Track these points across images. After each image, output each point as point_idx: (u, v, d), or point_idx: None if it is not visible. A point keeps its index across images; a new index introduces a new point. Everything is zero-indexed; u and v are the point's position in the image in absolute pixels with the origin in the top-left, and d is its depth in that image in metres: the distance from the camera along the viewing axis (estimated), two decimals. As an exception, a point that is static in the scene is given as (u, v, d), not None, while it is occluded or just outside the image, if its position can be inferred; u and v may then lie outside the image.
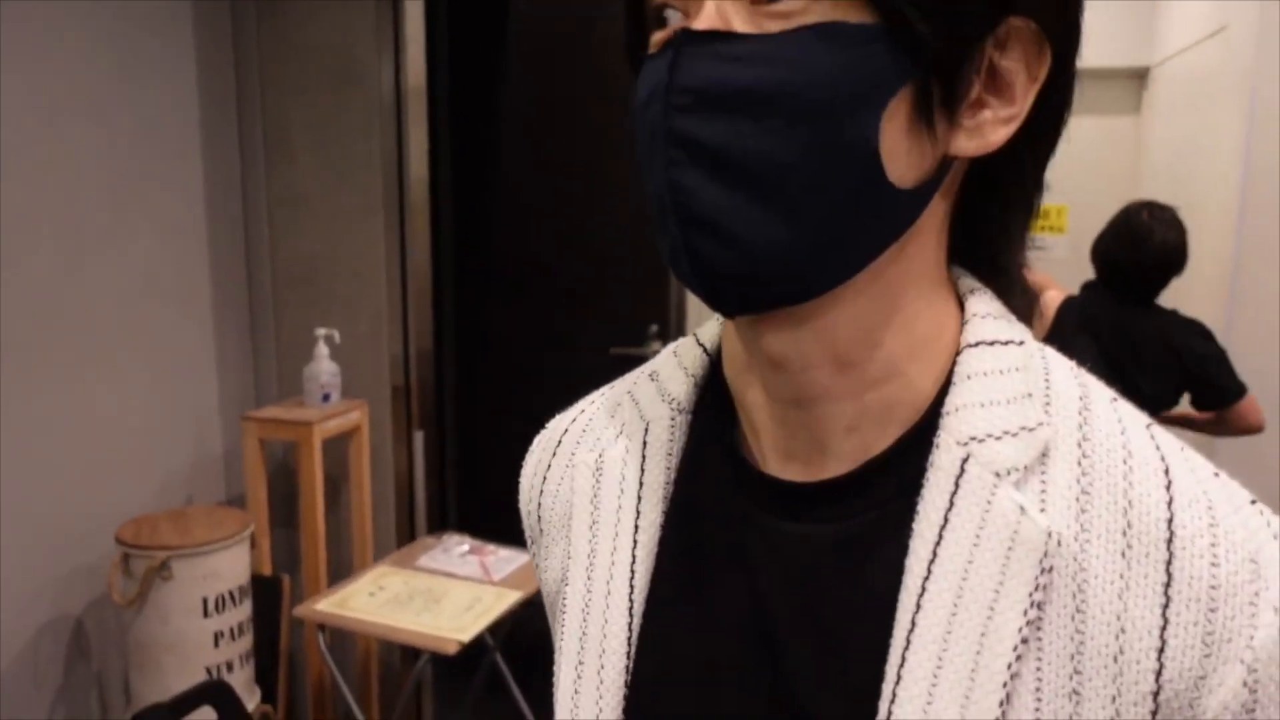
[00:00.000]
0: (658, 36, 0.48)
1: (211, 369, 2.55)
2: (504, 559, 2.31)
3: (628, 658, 0.53)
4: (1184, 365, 2.46)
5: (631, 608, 0.53)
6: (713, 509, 0.53)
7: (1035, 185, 0.51)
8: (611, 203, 2.84)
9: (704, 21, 0.44)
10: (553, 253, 3.02)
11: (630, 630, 0.53)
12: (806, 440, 0.50)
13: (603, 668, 0.53)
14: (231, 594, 2.14)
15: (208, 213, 2.52)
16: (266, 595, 2.33)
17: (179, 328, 2.45)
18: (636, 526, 0.54)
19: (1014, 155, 0.48)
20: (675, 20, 0.47)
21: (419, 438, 2.67)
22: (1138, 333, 2.45)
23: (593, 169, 2.88)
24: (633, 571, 0.53)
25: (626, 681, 0.53)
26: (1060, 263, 3.56)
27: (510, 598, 2.12)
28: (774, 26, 0.43)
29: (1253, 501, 0.45)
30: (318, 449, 2.35)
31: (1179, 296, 2.91)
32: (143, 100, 2.32)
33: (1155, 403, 2.52)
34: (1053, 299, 2.53)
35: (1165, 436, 0.47)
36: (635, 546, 0.54)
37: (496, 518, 2.62)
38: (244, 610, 2.18)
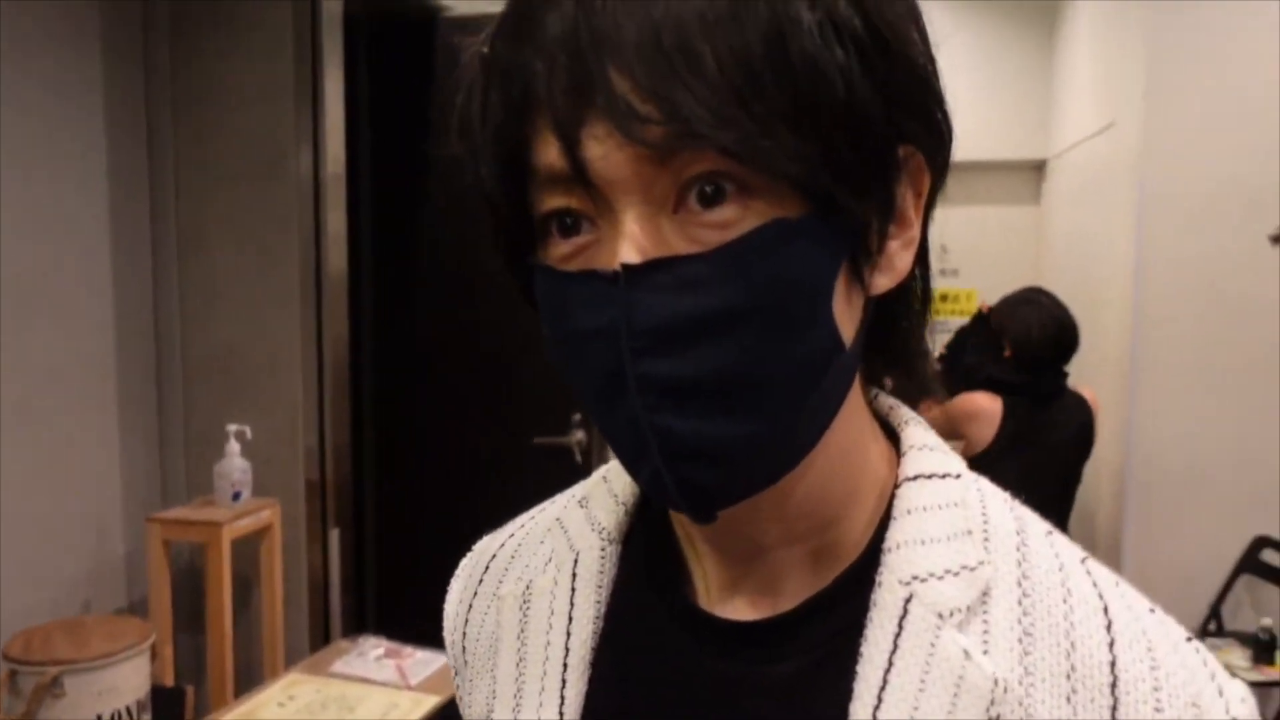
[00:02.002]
0: (562, 250, 0.44)
1: (115, 466, 2.45)
2: (421, 661, 2.23)
3: None
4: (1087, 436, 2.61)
5: None
6: (646, 645, 0.52)
7: (928, 293, 0.52)
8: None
9: (637, 249, 0.41)
10: (475, 341, 3.00)
11: None
12: (749, 580, 0.50)
13: None
14: (129, 709, 2.01)
15: (116, 303, 2.44)
16: (168, 708, 2.20)
17: (81, 423, 2.35)
18: (565, 665, 0.52)
19: (910, 273, 0.48)
20: (586, 231, 0.43)
21: (335, 535, 2.59)
22: (1057, 417, 2.59)
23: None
24: (561, 713, 0.52)
25: None
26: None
27: (428, 703, 2.04)
28: (714, 238, 0.41)
29: (1188, 639, 0.46)
30: (227, 550, 2.26)
31: (1083, 378, 3.01)
32: (50, 187, 2.26)
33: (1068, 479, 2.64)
34: (988, 407, 2.58)
35: (1100, 571, 0.48)
36: (564, 686, 0.52)
37: (417, 617, 2.54)
38: (143, 726, 2.06)
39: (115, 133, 2.43)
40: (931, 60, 0.45)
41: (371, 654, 2.26)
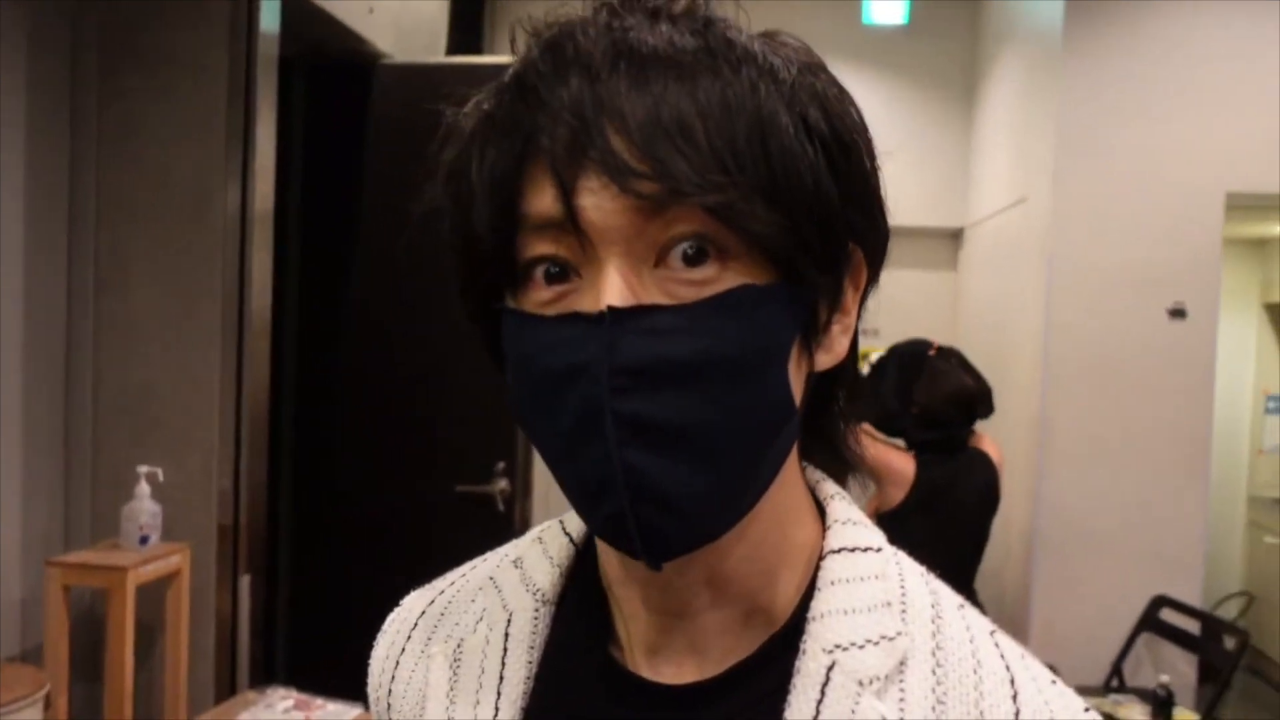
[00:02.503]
0: (544, 296, 0.47)
1: (16, 505, 2.35)
2: (332, 714, 2.17)
3: None
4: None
5: None
6: (574, 705, 0.53)
7: (857, 376, 0.56)
8: (462, 337, 2.83)
9: (621, 294, 0.44)
10: (400, 386, 2.97)
11: None
12: (677, 643, 0.51)
13: None
14: (18, 763, 1.92)
15: (25, 335, 2.37)
16: (60, 762, 2.10)
17: (-19, 462, 2.26)
18: None
19: (845, 357, 0.53)
20: (570, 279, 0.46)
21: (245, 581, 2.52)
22: (963, 477, 2.65)
23: (444, 304, 2.88)
24: None
25: None
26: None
27: (338, 757, 1.99)
28: (689, 294, 0.44)
29: (1086, 710, 0.49)
30: (131, 596, 2.17)
31: (997, 438, 3.12)
32: (-39, 221, 2.20)
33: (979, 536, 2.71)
34: (901, 468, 2.64)
35: (1008, 643, 0.51)
36: None
37: (329, 668, 2.47)
38: (31, 781, 1.96)
39: (36, 162, 2.38)
40: (878, 171, 0.51)
41: (280, 705, 2.19)
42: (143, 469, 2.29)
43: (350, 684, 2.11)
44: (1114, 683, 3.13)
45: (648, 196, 0.43)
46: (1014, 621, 3.19)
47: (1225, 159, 3.17)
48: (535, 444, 0.49)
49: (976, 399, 2.67)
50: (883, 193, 0.51)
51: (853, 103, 0.50)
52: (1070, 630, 3.17)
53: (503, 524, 2.80)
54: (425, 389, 2.93)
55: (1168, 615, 3.14)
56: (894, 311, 4.20)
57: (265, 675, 2.69)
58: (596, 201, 0.44)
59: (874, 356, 2.79)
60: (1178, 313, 3.19)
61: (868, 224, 0.50)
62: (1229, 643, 3.03)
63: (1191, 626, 3.11)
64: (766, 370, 0.46)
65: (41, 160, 2.40)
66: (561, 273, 0.46)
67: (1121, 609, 3.17)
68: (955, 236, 4.43)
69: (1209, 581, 3.36)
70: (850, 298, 0.51)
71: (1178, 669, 3.16)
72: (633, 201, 0.43)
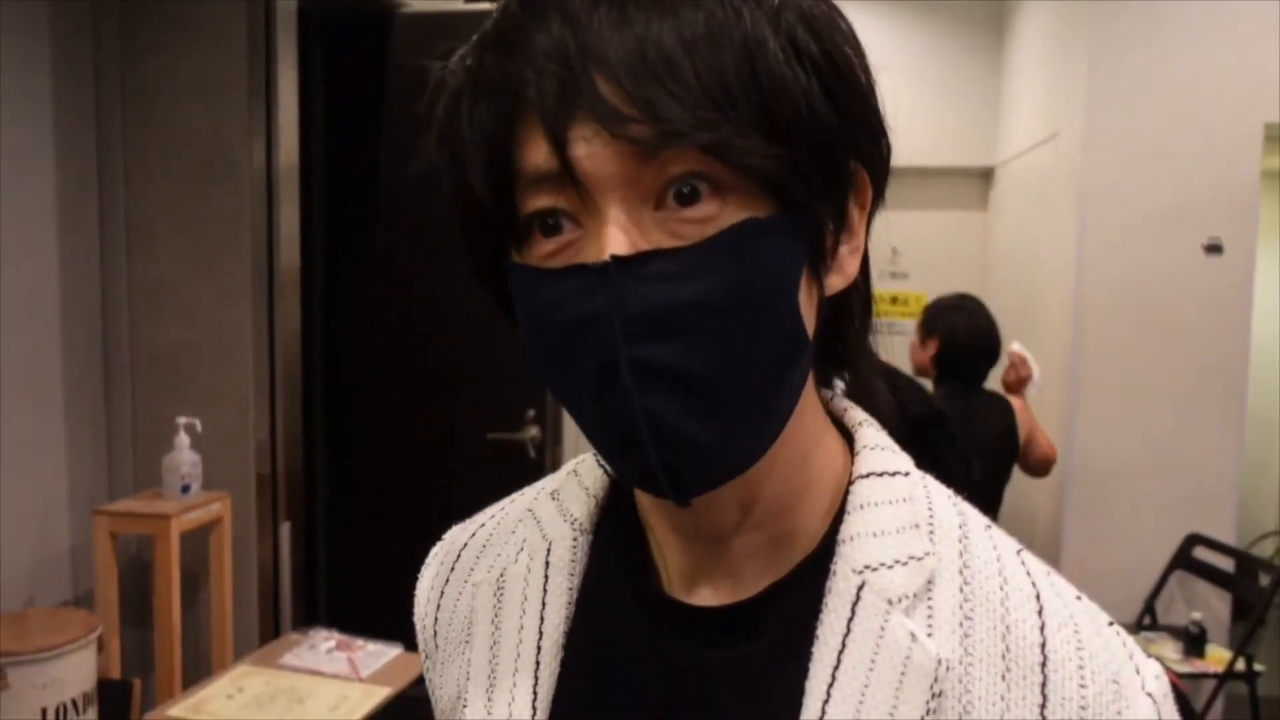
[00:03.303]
0: (546, 249, 0.46)
1: (61, 458, 2.41)
2: (372, 654, 2.23)
3: None
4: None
5: None
6: (616, 631, 0.55)
7: (869, 297, 0.56)
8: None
9: (622, 242, 0.44)
10: (429, 336, 3.00)
11: None
12: (711, 568, 0.53)
13: None
14: (75, 702, 1.99)
15: (62, 298, 2.41)
16: (115, 701, 2.18)
17: (27, 414, 2.32)
18: (539, 647, 0.55)
19: (855, 278, 0.53)
20: (568, 230, 0.46)
21: (285, 529, 2.58)
22: (980, 417, 2.70)
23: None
24: (535, 693, 0.54)
25: None
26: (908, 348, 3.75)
27: (378, 695, 2.05)
28: (693, 233, 0.44)
29: (1110, 623, 0.50)
30: (175, 543, 2.24)
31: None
32: (-5, 182, 2.23)
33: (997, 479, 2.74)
34: None
35: (1034, 562, 0.52)
36: (538, 668, 0.55)
37: (367, 609, 2.54)
38: (89, 719, 2.04)
39: (63, 126, 2.40)
40: (873, 85, 0.50)
41: (322, 646, 2.26)
42: (181, 420, 2.34)
43: (388, 625, 2.18)
44: (1146, 620, 3.14)
45: (641, 140, 0.42)
46: (1044, 560, 3.19)
47: (1263, 89, 3.08)
48: (554, 395, 0.50)
49: (991, 342, 2.72)
50: (881, 107, 0.50)
51: (841, 16, 0.48)
52: (1102, 569, 3.18)
53: (534, 471, 2.83)
54: (454, 338, 2.96)
55: (1201, 553, 3.13)
56: (922, 254, 4.16)
57: (307, 618, 2.77)
58: (590, 150, 0.43)
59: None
60: (1214, 248, 3.13)
61: (868, 142, 0.49)
62: (1264, 580, 3.02)
63: (1225, 564, 3.10)
64: (777, 302, 0.46)
65: (69, 125, 2.42)
66: (559, 225, 0.46)
67: (1154, 548, 3.17)
68: (985, 176, 4.35)
69: (1244, 520, 3.33)
70: (857, 218, 0.51)
71: (1211, 606, 3.16)
72: (626, 147, 0.43)
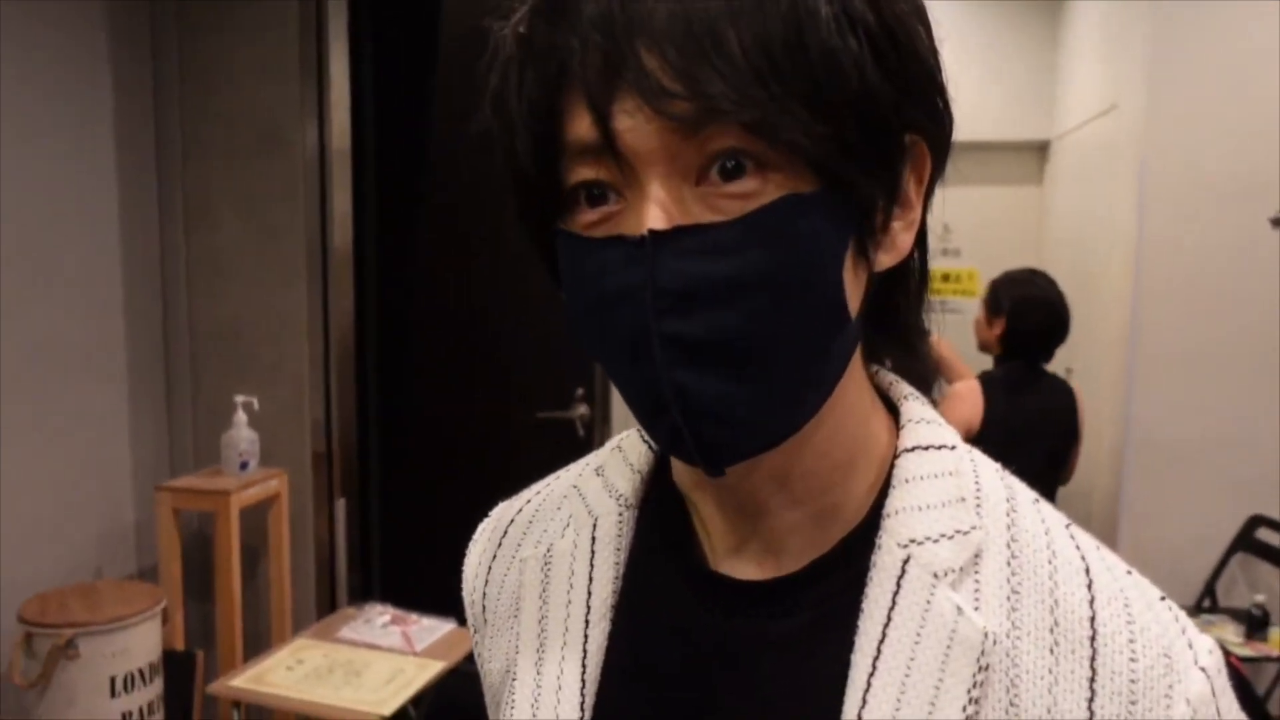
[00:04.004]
0: (589, 218, 0.47)
1: (124, 437, 2.48)
2: (427, 629, 2.27)
3: None
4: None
5: (583, 701, 0.54)
6: (660, 603, 0.55)
7: (925, 273, 0.55)
8: (537, 267, 2.87)
9: (660, 217, 0.43)
10: (478, 316, 3.02)
11: None
12: (755, 543, 0.53)
13: None
14: (141, 672, 2.06)
15: (124, 277, 2.47)
16: (179, 672, 2.25)
17: (91, 395, 2.39)
18: (587, 621, 0.55)
19: (910, 253, 0.51)
20: (613, 200, 0.46)
21: (341, 505, 2.63)
22: (1038, 398, 2.63)
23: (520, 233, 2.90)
24: (583, 667, 0.55)
25: None
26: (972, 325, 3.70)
27: (433, 668, 2.09)
28: (734, 209, 0.43)
29: (1162, 598, 0.49)
30: (235, 519, 2.29)
31: (1081, 361, 3.04)
32: (59, 163, 2.29)
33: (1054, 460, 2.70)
34: (969, 390, 2.62)
35: (1083, 536, 0.51)
36: (586, 640, 0.55)
37: (421, 585, 2.58)
38: (154, 689, 2.10)
39: (122, 106, 2.45)
40: (935, 54, 0.48)
41: (378, 620, 2.30)
42: (239, 398, 2.39)
43: (442, 600, 2.21)
44: (1205, 603, 3.07)
45: (682, 117, 0.42)
46: (1100, 540, 3.14)
47: (1336, 55, 2.96)
48: (593, 358, 0.50)
49: (1063, 322, 2.63)
50: (943, 77, 0.48)
51: None
52: (1160, 551, 3.11)
53: (582, 449, 2.83)
54: (505, 318, 2.97)
55: (1264, 535, 3.06)
56: (975, 230, 4.08)
57: (363, 593, 2.82)
58: (633, 124, 0.43)
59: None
60: (1280, 221, 3.03)
61: (926, 114, 0.48)
62: (1330, 562, 2.94)
63: (1290, 546, 3.02)
64: (815, 280, 0.45)
65: (128, 106, 2.47)
66: (605, 195, 0.46)
67: (1215, 529, 3.09)
68: (1041, 149, 4.26)
69: (1310, 501, 3.24)
70: (913, 192, 0.49)
71: (1274, 589, 3.08)
72: (669, 122, 0.42)
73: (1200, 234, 3.08)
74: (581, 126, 0.44)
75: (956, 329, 2.95)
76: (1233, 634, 2.88)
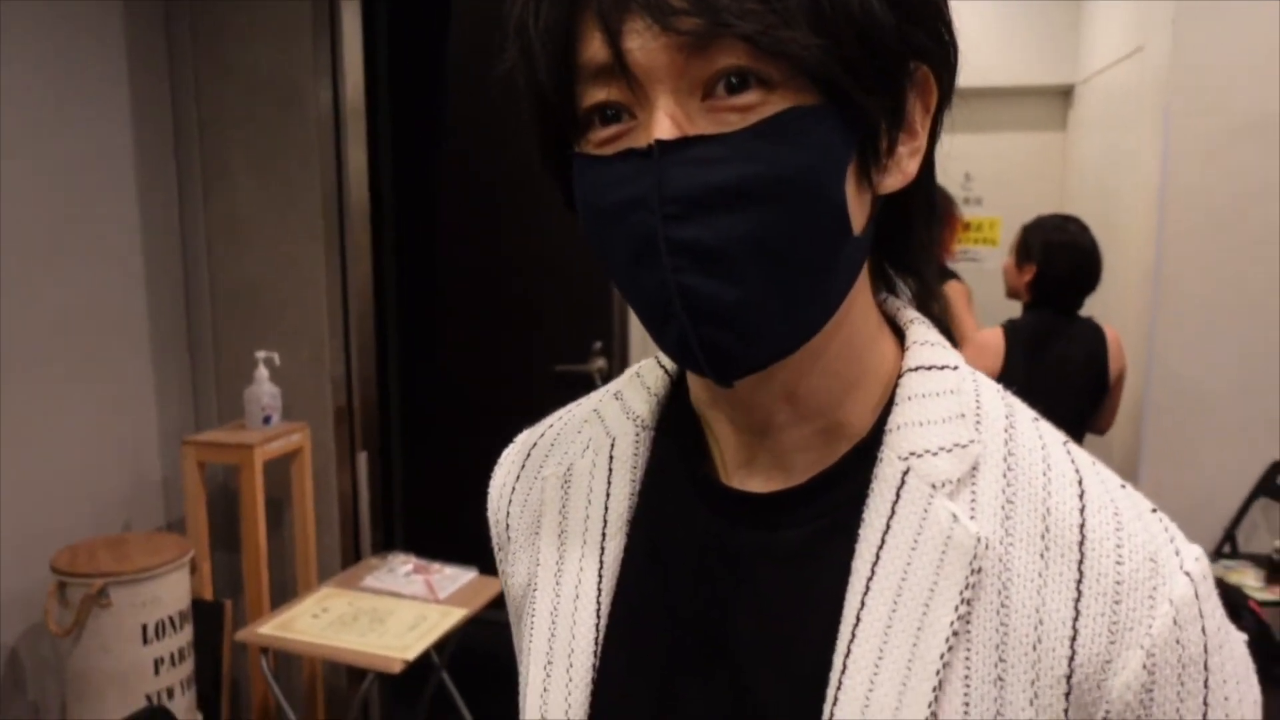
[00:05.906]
0: (602, 135, 0.49)
1: (150, 393, 2.53)
2: (449, 577, 2.31)
3: (595, 657, 0.56)
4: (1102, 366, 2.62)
5: (599, 610, 0.57)
6: (675, 518, 0.58)
7: (932, 203, 0.57)
8: (554, 220, 2.87)
9: (668, 128, 0.46)
10: (496, 270, 3.04)
11: (598, 631, 0.57)
12: (765, 458, 0.55)
13: (571, 666, 0.57)
14: (172, 620, 2.11)
15: (144, 238, 2.50)
16: (207, 620, 2.30)
17: (116, 352, 2.43)
18: (604, 535, 0.58)
19: (917, 179, 0.53)
20: (625, 121, 0.48)
21: (363, 458, 2.67)
22: (1067, 343, 2.60)
23: (536, 186, 2.90)
24: (600, 577, 0.58)
25: (593, 680, 0.56)
26: (993, 274, 3.67)
27: (455, 615, 2.13)
28: (737, 120, 0.46)
29: (1153, 510, 0.51)
30: (259, 471, 2.33)
31: (1103, 306, 3.01)
32: (77, 128, 2.30)
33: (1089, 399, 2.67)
34: (991, 338, 2.59)
35: (1080, 452, 0.53)
36: (602, 554, 0.58)
37: (443, 535, 2.62)
38: (184, 636, 2.16)
39: (138, 69, 2.46)
40: None
41: (401, 570, 2.35)
42: (260, 354, 2.42)
43: (463, 549, 2.25)
44: (1226, 548, 3.07)
45: (689, 32, 0.44)
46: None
47: (1368, -9, 2.88)
48: (607, 273, 0.52)
49: (1095, 268, 2.60)
50: (947, 7, 0.50)
51: None
52: (1181, 496, 3.10)
53: (601, 401, 2.87)
54: (523, 271, 2.99)
55: (1287, 481, 3.04)
56: (998, 177, 4.03)
57: (385, 543, 2.87)
58: (641, 43, 0.45)
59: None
60: (1308, 164, 2.97)
61: (930, 40, 0.49)
62: (1354, 508, 2.92)
63: (1313, 492, 3.00)
64: (817, 189, 0.46)
65: (142, 61, 2.48)
66: (618, 115, 0.48)
67: (1237, 474, 3.07)
68: (1065, 94, 4.18)
69: (1335, 447, 3.21)
70: (919, 118, 0.51)
71: (1296, 535, 3.07)
72: (675, 39, 0.44)
73: (1225, 178, 3.03)
74: (594, 48, 0.47)
75: (976, 278, 2.93)
76: (1253, 579, 2.87)
